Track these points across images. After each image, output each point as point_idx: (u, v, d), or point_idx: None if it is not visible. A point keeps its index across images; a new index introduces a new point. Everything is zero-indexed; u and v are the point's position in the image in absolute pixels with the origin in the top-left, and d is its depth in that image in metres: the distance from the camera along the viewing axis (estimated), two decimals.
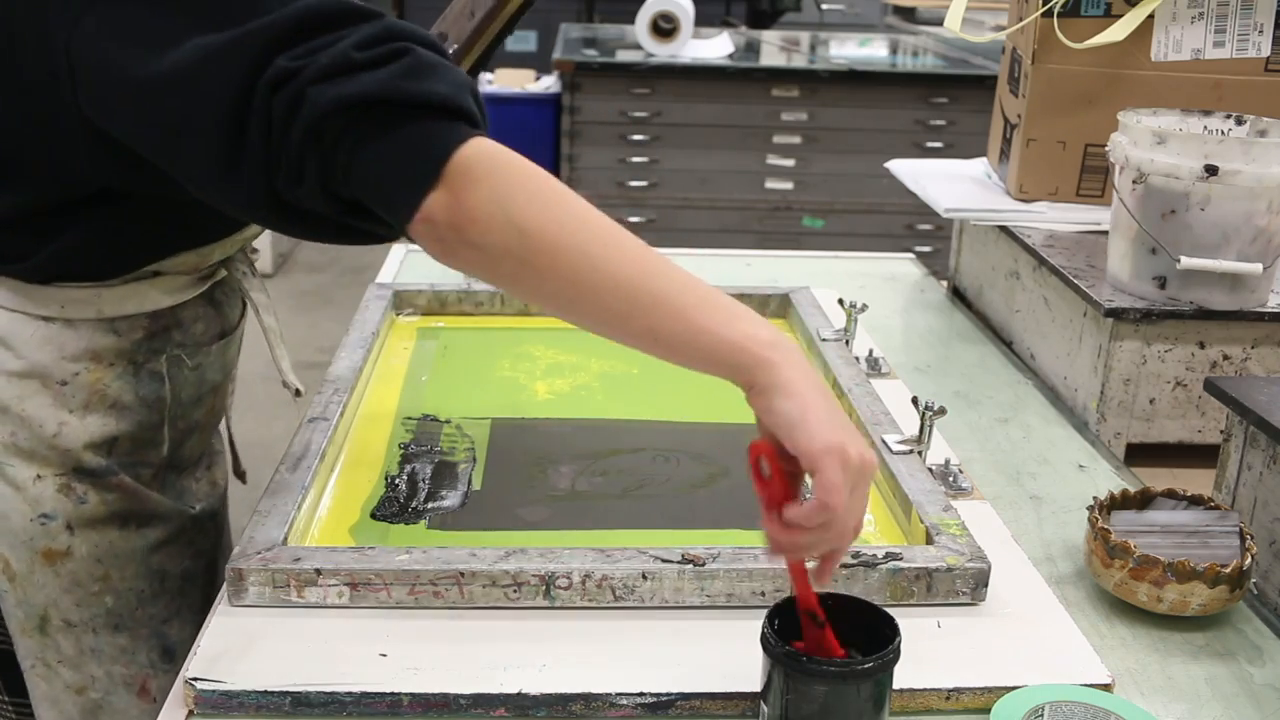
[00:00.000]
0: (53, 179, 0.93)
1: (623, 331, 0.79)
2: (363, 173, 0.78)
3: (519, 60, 5.91)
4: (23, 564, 1.02)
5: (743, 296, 1.60)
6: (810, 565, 0.78)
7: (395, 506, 1.10)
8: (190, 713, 0.84)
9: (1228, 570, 0.95)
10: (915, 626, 0.89)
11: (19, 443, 1.00)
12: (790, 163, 4.06)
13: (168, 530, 1.09)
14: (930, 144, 3.99)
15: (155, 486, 1.08)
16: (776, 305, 1.62)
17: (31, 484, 1.01)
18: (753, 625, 0.79)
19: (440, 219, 0.76)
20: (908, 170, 1.92)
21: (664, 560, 0.94)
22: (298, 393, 1.14)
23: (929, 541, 1.00)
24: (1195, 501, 1.05)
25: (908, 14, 5.82)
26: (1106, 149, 1.39)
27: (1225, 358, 1.35)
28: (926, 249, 3.92)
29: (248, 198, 0.81)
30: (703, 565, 0.94)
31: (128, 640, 1.08)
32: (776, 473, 0.75)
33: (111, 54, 0.82)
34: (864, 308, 1.45)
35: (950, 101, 4.00)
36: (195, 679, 0.84)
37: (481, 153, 0.77)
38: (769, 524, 0.75)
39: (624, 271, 0.77)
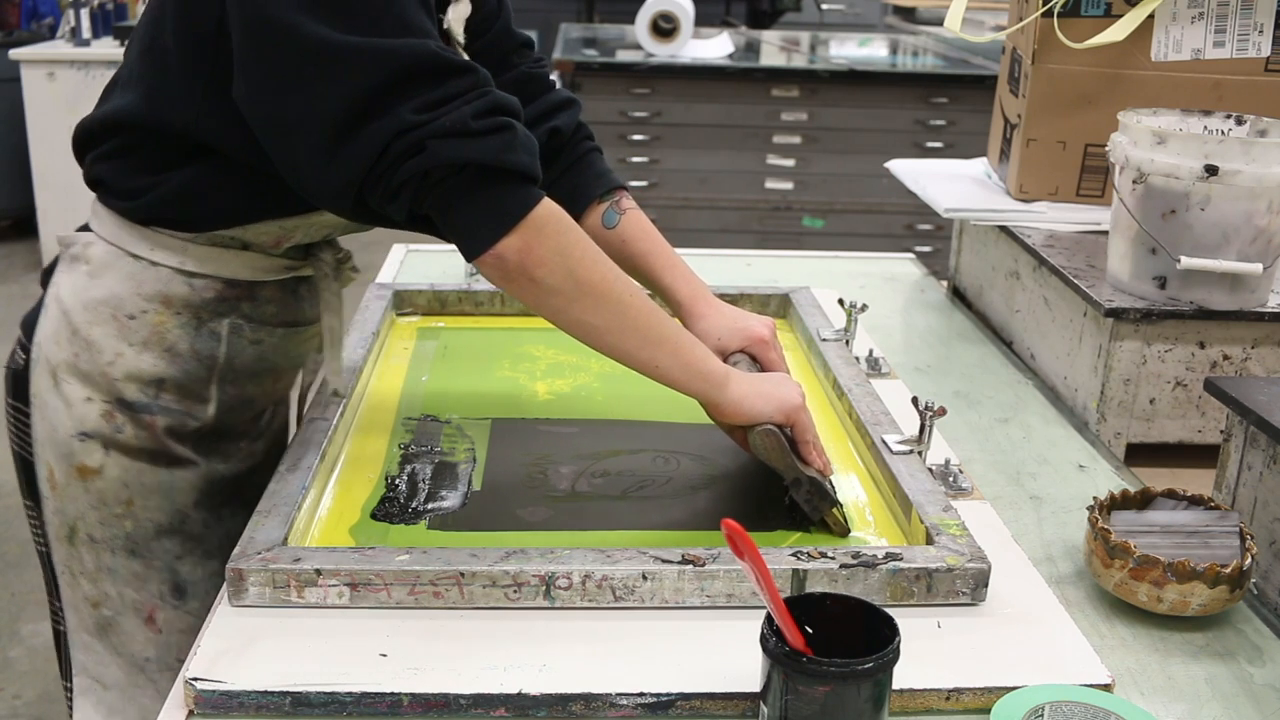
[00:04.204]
0: (169, 127, 1.05)
1: (631, 359, 1.06)
2: (454, 212, 0.98)
3: None
4: (62, 474, 1.13)
5: (743, 296, 1.61)
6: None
7: (395, 507, 1.10)
8: (190, 713, 0.84)
9: (1228, 570, 0.95)
10: (915, 626, 0.89)
11: (79, 364, 1.11)
12: (790, 163, 4.06)
13: (194, 477, 1.16)
14: (930, 144, 3.99)
15: (189, 441, 1.15)
16: (776, 305, 1.62)
17: (81, 403, 1.11)
18: (753, 625, 0.79)
19: (511, 259, 0.98)
20: (908, 170, 1.92)
21: (664, 560, 0.94)
22: (335, 393, 1.23)
23: (929, 542, 1.00)
24: (1195, 501, 1.05)
25: (908, 14, 5.83)
26: (1106, 149, 1.39)
27: (1225, 358, 1.35)
28: (926, 249, 3.92)
29: (335, 191, 0.97)
30: (703, 565, 0.94)
31: (141, 567, 1.15)
32: (748, 544, 0.76)
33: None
34: (864, 308, 1.45)
35: (950, 101, 4.00)
36: (195, 679, 0.84)
37: (551, 213, 1.00)
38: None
39: (642, 317, 1.04)
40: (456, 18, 1.13)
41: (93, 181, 1.12)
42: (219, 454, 1.18)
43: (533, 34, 6.90)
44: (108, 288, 1.10)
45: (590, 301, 1.02)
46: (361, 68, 0.93)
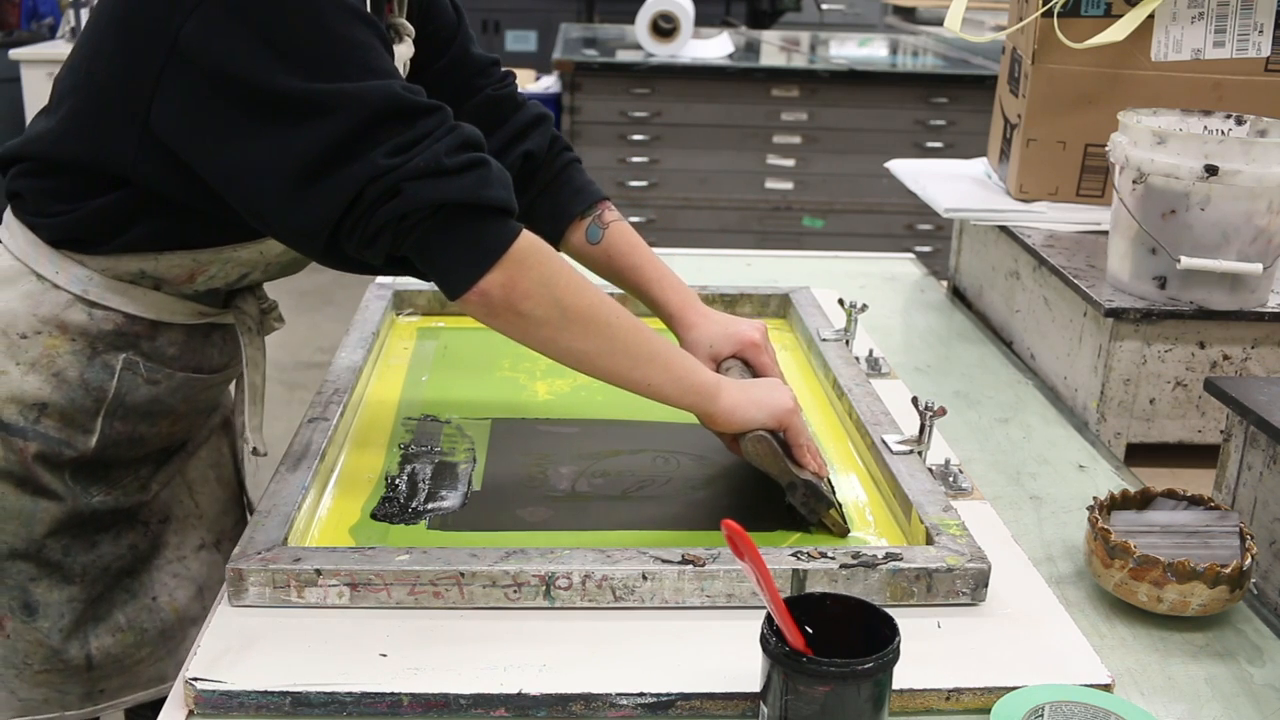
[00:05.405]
0: (97, 162, 1.03)
1: (624, 379, 1.06)
2: (434, 252, 0.98)
3: (519, 60, 5.91)
4: None
5: (743, 296, 1.61)
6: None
7: (395, 507, 1.10)
8: (190, 713, 0.84)
9: (1228, 570, 0.95)
10: (915, 626, 0.89)
11: None
12: (790, 163, 4.06)
13: (57, 510, 1.11)
14: (930, 144, 3.99)
15: (65, 470, 1.11)
16: (776, 305, 1.62)
17: None
18: (753, 625, 0.79)
19: (496, 295, 0.98)
20: (908, 170, 1.92)
21: (664, 560, 0.94)
22: (255, 451, 1.20)
23: (929, 542, 1.00)
24: (1195, 501, 1.05)
25: (908, 14, 5.83)
26: (1106, 149, 1.39)
27: (1225, 358, 1.35)
28: (926, 249, 3.92)
29: (304, 232, 0.97)
30: (703, 566, 0.94)
31: None
32: (748, 544, 0.77)
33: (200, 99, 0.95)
34: (864, 308, 1.45)
35: (950, 101, 4.00)
36: (195, 679, 0.84)
37: (531, 245, 1.00)
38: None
39: (630, 337, 1.05)
40: (400, 59, 1.12)
41: (11, 194, 1.10)
42: (102, 482, 1.14)
43: (532, 34, 6.87)
44: (4, 302, 1.08)
45: (578, 328, 1.02)
46: (331, 114, 0.93)
